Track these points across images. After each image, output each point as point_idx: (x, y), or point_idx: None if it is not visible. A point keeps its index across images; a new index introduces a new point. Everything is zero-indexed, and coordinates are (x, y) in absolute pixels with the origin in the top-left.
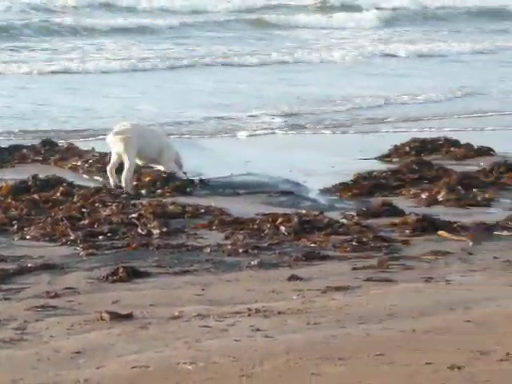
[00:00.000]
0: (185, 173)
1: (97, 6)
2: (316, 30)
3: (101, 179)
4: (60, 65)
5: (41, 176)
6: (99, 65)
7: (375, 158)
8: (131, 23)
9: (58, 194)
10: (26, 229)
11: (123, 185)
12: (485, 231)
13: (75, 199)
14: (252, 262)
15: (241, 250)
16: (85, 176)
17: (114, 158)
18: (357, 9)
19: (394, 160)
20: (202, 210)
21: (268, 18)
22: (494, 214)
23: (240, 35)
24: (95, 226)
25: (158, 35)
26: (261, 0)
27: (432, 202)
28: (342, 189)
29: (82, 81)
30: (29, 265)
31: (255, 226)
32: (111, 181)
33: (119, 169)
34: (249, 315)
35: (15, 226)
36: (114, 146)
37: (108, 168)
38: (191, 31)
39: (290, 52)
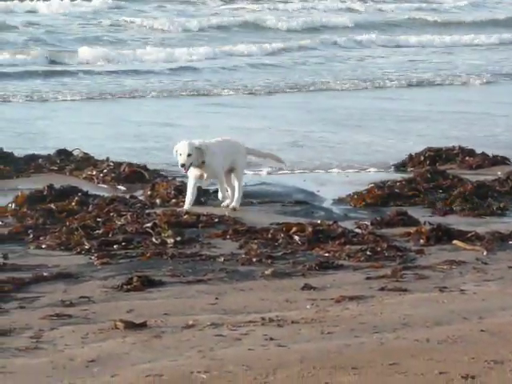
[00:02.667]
0: None
1: None
2: None
3: (123, 188)
4: None
5: (56, 186)
6: None
7: (390, 168)
8: None
9: (73, 204)
10: (41, 238)
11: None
12: (500, 241)
13: (90, 209)
14: (266, 272)
15: (254, 260)
16: (100, 185)
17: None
18: None
19: (409, 169)
20: (216, 220)
21: None
22: (509, 224)
23: None
24: (110, 236)
25: None
26: None
27: (447, 211)
28: (356, 198)
29: None
30: (44, 274)
31: (269, 236)
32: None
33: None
34: (262, 324)
35: (31, 236)
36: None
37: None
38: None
39: None
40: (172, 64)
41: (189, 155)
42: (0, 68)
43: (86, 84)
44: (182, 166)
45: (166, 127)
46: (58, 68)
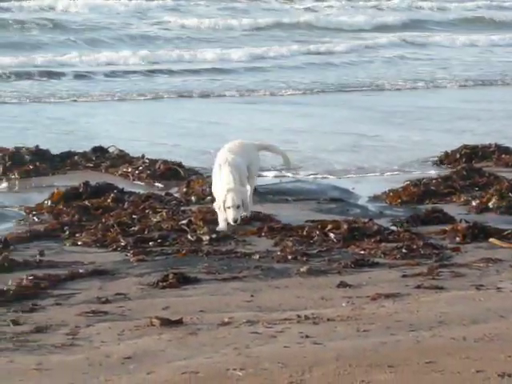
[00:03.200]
0: None
1: None
2: None
3: (160, 185)
4: None
5: (92, 183)
6: None
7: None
8: None
9: (109, 201)
10: (77, 235)
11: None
12: None
13: (126, 206)
14: (301, 269)
15: (290, 257)
16: (136, 182)
17: None
18: None
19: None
20: (252, 217)
21: None
22: None
23: None
24: (145, 233)
25: None
26: None
27: (483, 209)
28: (392, 196)
29: None
30: (80, 270)
31: (304, 233)
32: None
33: None
34: (298, 322)
35: (67, 232)
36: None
37: None
38: None
39: None
40: (217, 64)
41: (238, 207)
42: (41, 68)
43: (136, 83)
44: (236, 221)
45: (211, 126)
46: (103, 68)
